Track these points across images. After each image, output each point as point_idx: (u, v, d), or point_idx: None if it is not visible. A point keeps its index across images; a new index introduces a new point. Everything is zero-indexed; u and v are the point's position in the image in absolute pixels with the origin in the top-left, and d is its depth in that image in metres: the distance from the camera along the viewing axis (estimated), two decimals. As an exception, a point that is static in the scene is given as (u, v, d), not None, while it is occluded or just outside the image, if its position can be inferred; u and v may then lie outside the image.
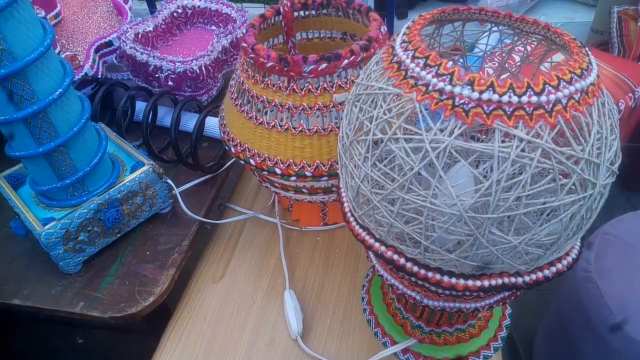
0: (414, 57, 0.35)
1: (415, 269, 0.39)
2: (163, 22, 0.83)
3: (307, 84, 0.52)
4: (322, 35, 0.68)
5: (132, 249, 0.63)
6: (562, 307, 0.84)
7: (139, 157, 0.64)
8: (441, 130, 0.33)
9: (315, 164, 0.55)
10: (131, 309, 0.55)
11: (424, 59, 0.35)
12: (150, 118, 0.71)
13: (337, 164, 0.56)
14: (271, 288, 0.63)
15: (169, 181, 0.65)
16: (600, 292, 0.71)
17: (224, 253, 0.68)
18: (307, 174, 0.56)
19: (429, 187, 0.34)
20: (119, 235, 0.63)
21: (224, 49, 0.79)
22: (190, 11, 0.88)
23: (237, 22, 0.83)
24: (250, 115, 0.57)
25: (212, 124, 0.79)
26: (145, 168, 0.62)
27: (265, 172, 0.58)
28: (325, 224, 0.72)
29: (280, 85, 0.53)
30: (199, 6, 0.88)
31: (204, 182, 0.72)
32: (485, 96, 0.32)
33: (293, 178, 0.56)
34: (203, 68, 0.74)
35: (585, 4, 1.85)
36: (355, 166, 0.39)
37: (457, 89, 0.32)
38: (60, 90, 0.52)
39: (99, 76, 0.78)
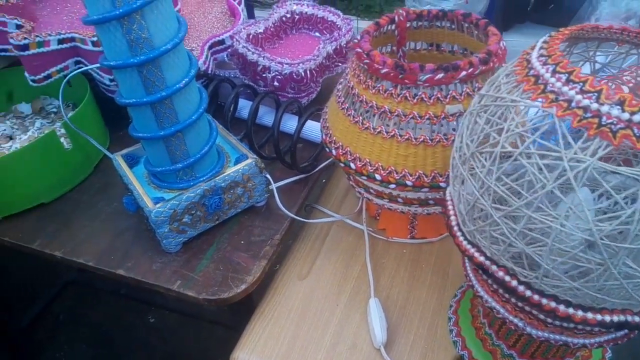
0: (554, 72, 0.34)
1: (528, 293, 0.37)
2: (272, 26, 0.87)
3: (420, 93, 0.52)
4: (431, 47, 0.67)
5: (228, 237, 0.66)
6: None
7: (243, 151, 0.67)
8: (582, 150, 0.31)
9: (417, 174, 0.55)
10: (224, 294, 0.58)
11: (567, 74, 0.33)
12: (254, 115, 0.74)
13: (441, 176, 0.55)
14: (355, 294, 0.63)
15: (268, 176, 0.67)
16: None
17: (310, 252, 0.69)
18: (408, 183, 0.55)
19: (555, 207, 0.33)
20: (217, 221, 0.66)
21: (327, 55, 0.81)
22: (297, 17, 0.91)
23: (342, 29, 0.84)
24: (356, 120, 0.57)
25: (309, 126, 0.81)
26: (248, 161, 0.65)
27: (364, 177, 0.58)
28: (412, 237, 0.71)
29: (393, 92, 0.53)
30: (306, 12, 0.91)
31: (297, 182, 0.74)
32: (636, 118, 0.30)
33: (392, 186, 0.56)
34: (308, 72, 0.76)
35: None
36: (475, 178, 0.38)
37: (604, 108, 0.31)
38: (186, 79, 0.56)
39: (209, 72, 0.83)
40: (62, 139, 0.73)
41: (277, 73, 0.76)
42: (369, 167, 0.57)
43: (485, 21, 0.59)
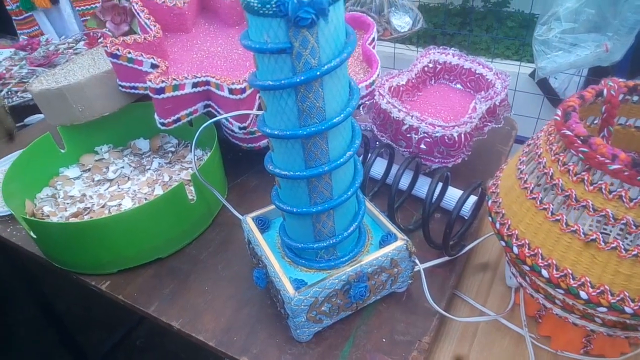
0: None
1: None
2: (415, 77, 0.78)
3: (666, 202, 0.40)
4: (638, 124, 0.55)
5: (366, 330, 0.56)
6: None
7: (390, 229, 0.58)
8: None
9: (643, 300, 0.42)
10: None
11: None
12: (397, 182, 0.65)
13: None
14: None
15: (417, 261, 0.57)
16: None
17: (454, 355, 0.58)
18: (627, 310, 0.43)
19: None
20: (354, 310, 0.57)
21: (481, 115, 0.70)
22: (439, 67, 0.82)
23: (497, 86, 0.74)
24: (557, 218, 0.46)
25: (451, 195, 0.70)
26: (398, 244, 0.55)
27: (561, 291, 0.46)
28: (586, 352, 0.57)
29: (623, 194, 0.41)
30: (450, 62, 0.81)
31: (441, 265, 0.64)
32: None
33: (602, 309, 0.44)
34: (462, 135, 0.66)
35: None
36: None
37: None
38: (349, 152, 0.48)
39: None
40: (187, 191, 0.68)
41: (426, 135, 0.66)
42: (571, 281, 0.45)
43: None
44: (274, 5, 0.37)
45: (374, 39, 0.83)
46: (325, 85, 0.42)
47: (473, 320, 0.61)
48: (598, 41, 1.27)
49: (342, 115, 0.44)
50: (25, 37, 1.59)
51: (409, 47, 1.94)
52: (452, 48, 0.82)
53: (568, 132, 0.45)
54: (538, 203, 0.48)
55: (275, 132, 0.45)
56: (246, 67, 0.80)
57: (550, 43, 1.26)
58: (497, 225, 0.53)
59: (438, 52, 0.81)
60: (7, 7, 1.68)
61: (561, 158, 0.46)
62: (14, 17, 1.67)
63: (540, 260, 0.47)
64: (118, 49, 0.70)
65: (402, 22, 1.66)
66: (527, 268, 0.49)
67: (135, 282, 0.65)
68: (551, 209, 0.47)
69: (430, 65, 0.81)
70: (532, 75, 1.72)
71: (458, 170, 0.73)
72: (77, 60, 0.85)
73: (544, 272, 0.47)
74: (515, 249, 0.50)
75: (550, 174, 0.47)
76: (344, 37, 0.43)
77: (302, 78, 0.40)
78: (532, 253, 0.48)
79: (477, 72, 0.79)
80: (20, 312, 1.58)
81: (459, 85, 0.83)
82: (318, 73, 0.40)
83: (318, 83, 0.42)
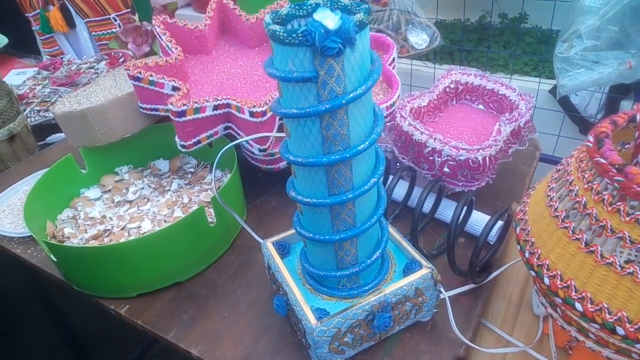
0: None
1: None
2: (436, 98, 0.77)
3: None
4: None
5: (389, 361, 0.54)
6: None
7: (414, 256, 0.56)
8: None
9: (685, 338, 0.40)
10: None
11: None
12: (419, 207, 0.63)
13: None
14: None
15: (442, 289, 0.55)
16: None
17: (484, 389, 0.56)
18: (669, 348, 0.40)
19: None
20: (377, 341, 0.55)
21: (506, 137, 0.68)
22: (461, 87, 0.81)
23: (521, 107, 0.72)
24: (591, 249, 0.44)
25: (475, 219, 0.68)
26: (423, 272, 0.54)
27: (596, 325, 0.44)
28: (621, 387, 0.54)
29: (663, 226, 0.40)
30: (472, 83, 0.80)
31: (466, 292, 0.62)
32: None
33: (641, 346, 0.42)
34: (487, 159, 0.64)
35: None
36: None
37: None
38: (373, 180, 0.47)
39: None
40: (206, 213, 0.67)
41: (449, 158, 0.65)
42: (607, 315, 0.43)
43: None
44: (300, 35, 0.36)
45: (394, 59, 0.83)
46: (350, 112, 0.42)
47: (500, 351, 0.59)
48: (621, 58, 1.25)
49: (366, 143, 0.44)
50: (49, 57, 1.63)
51: (426, 63, 1.94)
52: (473, 69, 0.81)
53: (602, 160, 0.43)
54: (570, 233, 0.46)
55: (299, 160, 0.44)
56: (266, 89, 0.79)
57: (572, 60, 1.24)
58: (527, 254, 0.51)
59: (460, 73, 0.80)
60: (33, 28, 1.73)
61: (594, 187, 0.45)
62: (40, 37, 1.72)
63: (573, 293, 0.45)
64: (140, 72, 0.71)
65: (419, 39, 1.66)
66: (560, 300, 0.47)
67: (154, 307, 0.64)
68: (584, 239, 0.45)
69: (452, 85, 0.80)
70: (552, 91, 1.70)
71: (481, 191, 0.71)
72: (99, 82, 0.86)
73: (578, 306, 0.45)
74: (547, 280, 0.48)
75: (583, 202, 0.46)
76: (369, 64, 0.42)
77: (328, 106, 0.39)
78: (564, 285, 0.46)
79: (499, 92, 0.77)
80: (36, 329, 1.59)
81: (481, 106, 0.81)
82: (344, 101, 0.40)
83: (343, 111, 0.41)
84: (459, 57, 2.01)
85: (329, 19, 0.36)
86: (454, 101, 0.82)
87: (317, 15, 0.36)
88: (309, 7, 0.42)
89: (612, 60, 1.24)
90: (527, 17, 1.91)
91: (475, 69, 0.81)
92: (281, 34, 0.37)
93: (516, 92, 0.75)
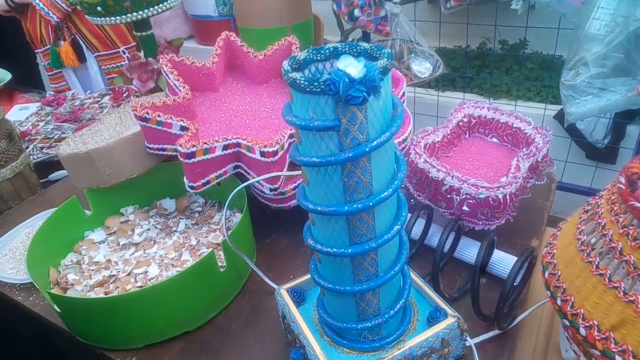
0: None
1: None
2: (450, 133, 0.75)
3: None
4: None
5: (415, 418, 0.51)
6: None
7: (438, 303, 0.53)
8: None
9: None
10: None
11: None
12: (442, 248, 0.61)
13: None
14: None
15: (469, 339, 0.52)
16: None
17: None
18: None
19: None
20: (401, 395, 0.52)
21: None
22: (474, 121, 0.79)
23: (538, 142, 0.70)
24: (630, 299, 0.41)
25: (497, 258, 0.66)
26: (449, 321, 0.51)
27: (641, 381, 0.41)
28: None
29: None
30: (485, 116, 0.79)
31: (492, 339, 0.58)
32: None
33: (694, 406, 0.39)
34: (507, 196, 0.62)
35: None
36: None
37: None
38: (397, 227, 0.45)
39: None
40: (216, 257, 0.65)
41: (468, 196, 0.63)
42: (654, 372, 0.40)
43: None
44: (322, 84, 0.35)
45: (404, 93, 0.82)
46: (373, 159, 0.40)
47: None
48: (628, 85, 1.24)
49: (390, 190, 0.41)
50: (52, 93, 1.63)
51: (429, 91, 1.94)
52: (486, 101, 0.80)
53: (637, 205, 0.41)
54: (606, 280, 0.44)
55: (319, 208, 0.42)
56: (275, 125, 0.78)
57: (579, 88, 1.23)
58: (559, 302, 0.48)
59: (472, 107, 0.79)
60: (42, 64, 1.74)
61: (631, 232, 0.42)
62: (48, 73, 1.73)
63: (613, 346, 0.42)
64: (147, 113, 0.69)
65: (422, 68, 1.66)
66: (598, 353, 0.44)
67: (163, 359, 0.61)
68: (623, 288, 0.42)
69: (465, 119, 0.79)
70: (557, 117, 1.69)
71: (499, 227, 0.69)
72: (104, 120, 0.85)
73: (619, 358, 0.42)
74: (583, 331, 0.45)
75: (619, 248, 0.43)
76: (392, 109, 0.40)
77: (350, 155, 0.38)
78: (602, 337, 0.43)
79: (514, 125, 0.76)
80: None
81: (495, 139, 0.80)
82: (367, 149, 0.38)
83: (366, 158, 0.39)
84: (460, 83, 2.01)
85: (353, 67, 0.34)
86: (467, 135, 0.81)
87: (341, 64, 0.34)
88: (327, 51, 0.41)
89: (619, 87, 1.23)
90: (527, 43, 1.92)
91: (487, 101, 0.80)
92: (302, 82, 0.35)
93: (531, 126, 0.74)
